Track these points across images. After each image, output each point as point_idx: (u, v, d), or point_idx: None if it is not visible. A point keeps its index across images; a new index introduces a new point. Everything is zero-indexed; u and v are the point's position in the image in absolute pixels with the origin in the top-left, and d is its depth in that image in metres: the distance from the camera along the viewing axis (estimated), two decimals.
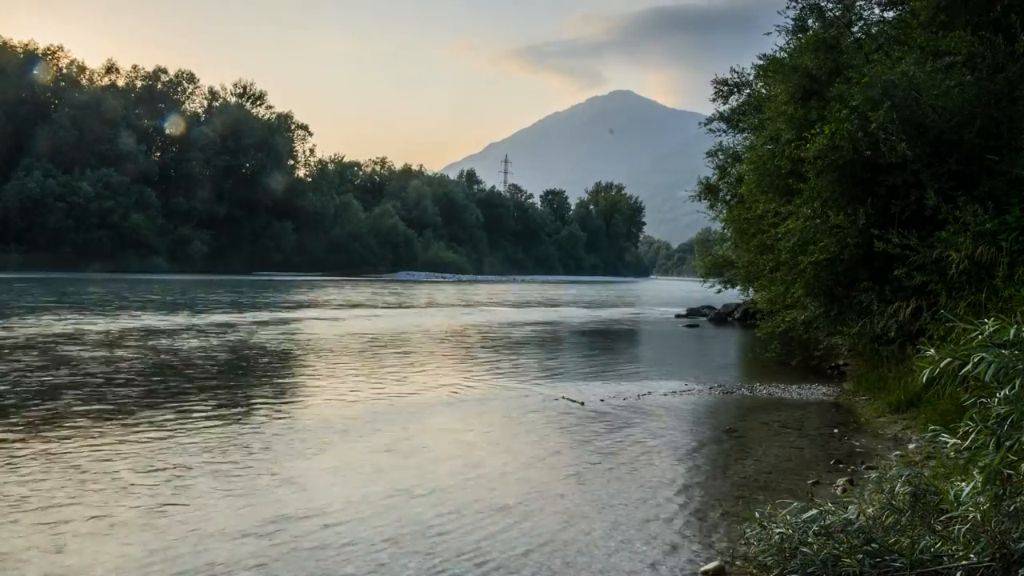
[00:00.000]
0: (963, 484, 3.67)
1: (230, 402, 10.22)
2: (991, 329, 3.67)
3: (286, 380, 12.94)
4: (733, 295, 29.17)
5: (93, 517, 5.40)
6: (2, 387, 10.57)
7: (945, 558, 3.62)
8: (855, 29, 14.87)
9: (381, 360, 15.44)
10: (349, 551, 4.88)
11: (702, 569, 4.63)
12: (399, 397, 10.98)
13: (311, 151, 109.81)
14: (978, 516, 3.54)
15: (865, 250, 10.78)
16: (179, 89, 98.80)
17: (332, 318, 26.46)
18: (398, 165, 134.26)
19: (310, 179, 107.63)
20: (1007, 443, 3.47)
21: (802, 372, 14.56)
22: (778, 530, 4.18)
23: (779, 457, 7.78)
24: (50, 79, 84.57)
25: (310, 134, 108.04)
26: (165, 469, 6.71)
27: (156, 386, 11.34)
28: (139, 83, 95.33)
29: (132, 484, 6.22)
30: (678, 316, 32.92)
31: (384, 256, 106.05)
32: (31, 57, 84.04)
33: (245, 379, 12.36)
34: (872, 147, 10.46)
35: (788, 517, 4.27)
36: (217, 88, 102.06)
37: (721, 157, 23.08)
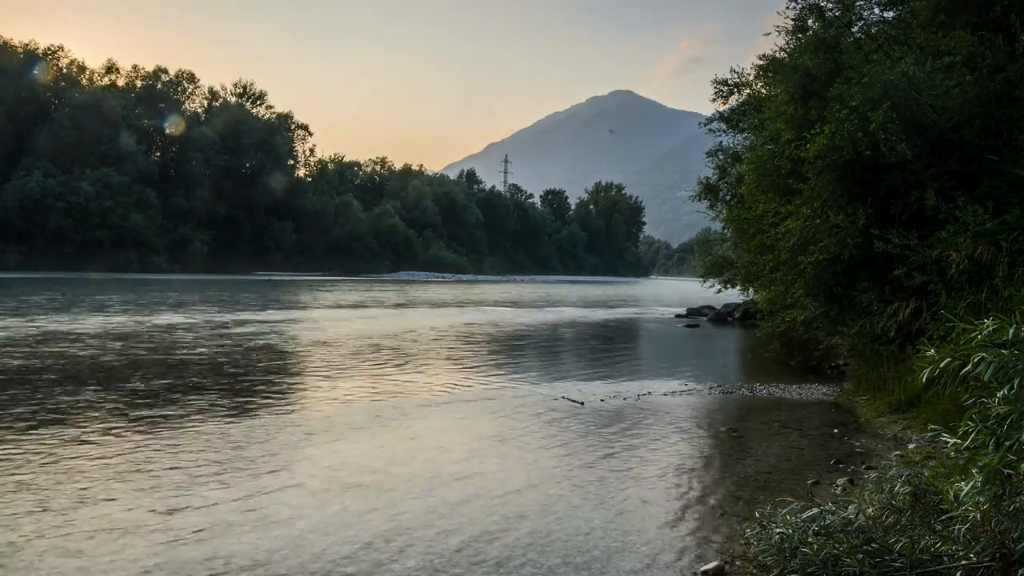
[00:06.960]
0: (963, 484, 3.66)
1: (231, 401, 10.22)
2: (990, 329, 3.67)
3: (287, 380, 12.93)
4: (733, 295, 29.16)
5: (97, 516, 5.40)
6: (2, 386, 10.57)
7: (945, 558, 3.62)
8: (855, 29, 14.86)
9: (381, 360, 15.44)
10: (349, 550, 4.88)
11: (702, 569, 4.63)
12: (399, 397, 10.98)
13: (311, 151, 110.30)
14: (978, 516, 3.54)
15: (865, 250, 10.77)
16: (179, 89, 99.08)
17: (332, 318, 26.46)
18: (398, 165, 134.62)
19: (310, 179, 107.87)
20: (1007, 443, 3.47)
21: (802, 372, 14.56)
22: (778, 530, 4.18)
23: (779, 457, 7.78)
24: (50, 79, 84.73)
25: (310, 134, 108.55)
26: (167, 468, 6.71)
27: (160, 385, 11.34)
28: (139, 83, 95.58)
29: (135, 482, 6.22)
30: (678, 316, 32.93)
31: (384, 256, 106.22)
32: (31, 57, 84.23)
33: (246, 378, 12.35)
34: (872, 147, 10.46)
35: (788, 517, 4.28)
36: (217, 88, 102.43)
37: (721, 157, 23.11)
